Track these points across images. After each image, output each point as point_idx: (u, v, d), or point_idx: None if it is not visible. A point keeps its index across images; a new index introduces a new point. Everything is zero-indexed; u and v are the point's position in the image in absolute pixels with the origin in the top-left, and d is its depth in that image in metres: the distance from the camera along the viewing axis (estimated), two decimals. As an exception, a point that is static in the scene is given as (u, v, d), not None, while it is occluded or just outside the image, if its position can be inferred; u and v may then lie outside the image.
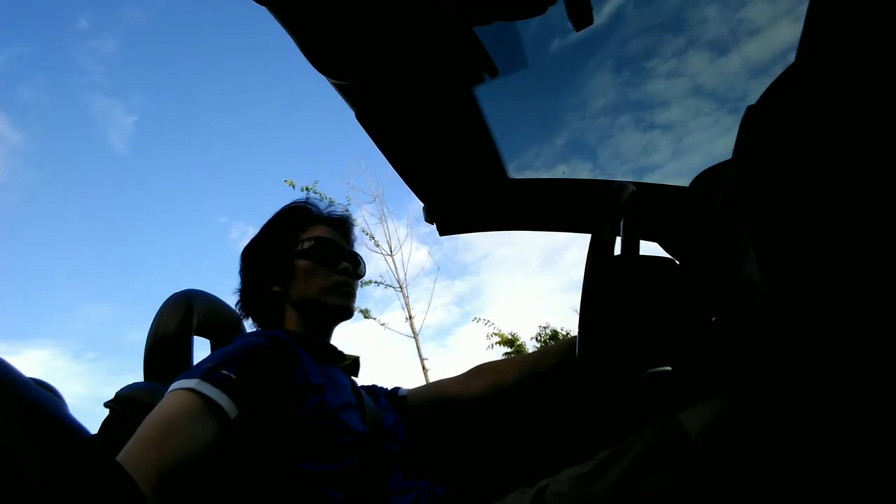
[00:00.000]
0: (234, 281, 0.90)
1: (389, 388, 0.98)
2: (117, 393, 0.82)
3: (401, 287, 6.44)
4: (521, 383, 0.91)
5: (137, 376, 0.86)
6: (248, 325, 0.96)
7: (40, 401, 0.75)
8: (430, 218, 1.21)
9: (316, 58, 0.68)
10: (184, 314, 0.88)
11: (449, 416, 0.95)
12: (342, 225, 0.95)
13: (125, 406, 0.81)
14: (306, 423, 0.69)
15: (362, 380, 0.92)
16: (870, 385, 0.40)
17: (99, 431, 0.81)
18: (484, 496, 0.80)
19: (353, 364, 0.89)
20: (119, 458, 0.56)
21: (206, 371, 0.64)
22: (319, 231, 0.89)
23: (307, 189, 6.28)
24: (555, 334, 6.70)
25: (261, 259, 0.88)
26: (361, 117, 0.88)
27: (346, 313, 0.88)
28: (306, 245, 0.86)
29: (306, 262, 0.85)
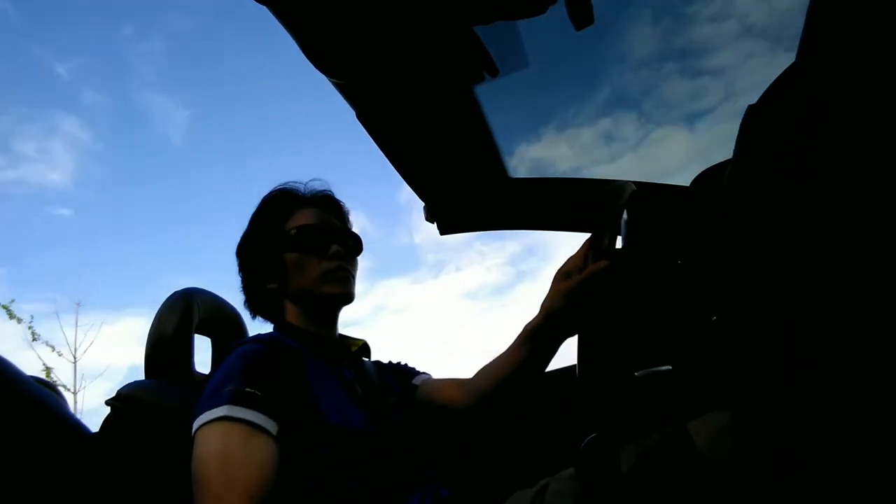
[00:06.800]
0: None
1: (405, 367, 0.94)
2: (119, 391, 0.82)
3: (74, 393, 5.45)
4: (505, 384, 0.83)
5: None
6: (249, 322, 0.96)
7: (41, 398, 0.75)
8: (430, 217, 1.21)
9: (316, 57, 0.68)
10: (183, 313, 0.88)
11: (448, 421, 0.92)
12: (328, 202, 0.90)
13: (126, 404, 0.81)
14: (314, 426, 0.68)
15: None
16: (870, 385, 0.40)
17: (100, 429, 0.81)
18: (487, 498, 0.80)
19: (360, 350, 0.87)
20: None
21: (231, 395, 0.62)
22: (304, 216, 0.84)
23: None
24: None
25: (251, 256, 0.85)
26: (361, 117, 0.88)
27: (345, 299, 0.83)
28: (291, 235, 0.82)
29: (294, 254, 0.81)
